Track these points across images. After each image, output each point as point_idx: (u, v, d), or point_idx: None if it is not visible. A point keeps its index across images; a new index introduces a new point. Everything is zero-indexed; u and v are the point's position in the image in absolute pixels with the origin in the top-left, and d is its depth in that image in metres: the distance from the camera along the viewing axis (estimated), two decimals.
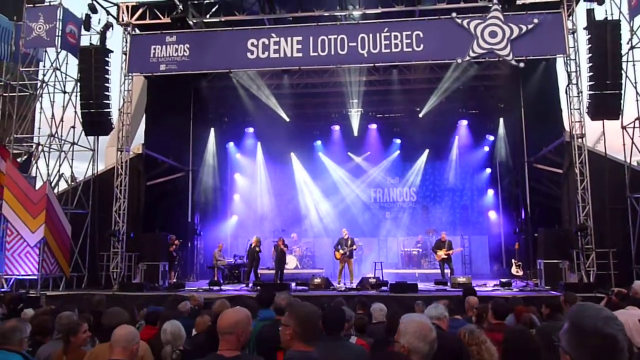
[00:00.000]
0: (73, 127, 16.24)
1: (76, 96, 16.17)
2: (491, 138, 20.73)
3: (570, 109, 14.11)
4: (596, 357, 1.74)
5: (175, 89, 16.82)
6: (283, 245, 16.19)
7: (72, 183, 16.75)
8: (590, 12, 13.69)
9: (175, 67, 15.10)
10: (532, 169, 16.99)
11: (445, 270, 15.89)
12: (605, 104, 13.48)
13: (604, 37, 13.35)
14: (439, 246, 16.08)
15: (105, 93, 15.67)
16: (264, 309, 5.29)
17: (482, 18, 13.90)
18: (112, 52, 15.94)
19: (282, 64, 14.95)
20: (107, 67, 15.71)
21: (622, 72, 13.66)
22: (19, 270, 14.13)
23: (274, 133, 20.82)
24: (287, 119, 20.27)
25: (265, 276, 17.35)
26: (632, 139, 14.32)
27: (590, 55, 13.55)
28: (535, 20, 13.63)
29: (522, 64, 13.83)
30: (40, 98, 16.46)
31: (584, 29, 13.72)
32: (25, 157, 16.85)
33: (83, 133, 16.22)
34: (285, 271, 16.62)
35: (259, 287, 13.91)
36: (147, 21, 15.83)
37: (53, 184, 15.39)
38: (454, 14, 13.99)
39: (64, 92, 16.38)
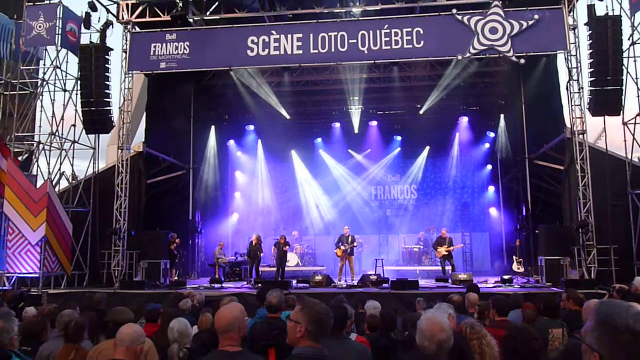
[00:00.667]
0: (74, 125, 16.23)
1: (77, 94, 16.17)
2: (492, 135, 20.73)
3: (571, 105, 14.09)
4: (629, 355, 1.72)
5: (175, 86, 16.82)
6: (284, 242, 16.20)
7: (73, 181, 16.75)
8: (591, 8, 13.65)
9: (176, 64, 15.09)
10: (533, 165, 16.96)
11: (447, 267, 15.89)
12: (606, 100, 13.45)
13: (605, 32, 13.31)
14: (440, 243, 16.08)
15: (106, 91, 15.65)
16: (264, 307, 5.31)
17: (482, 14, 13.88)
18: (112, 50, 15.91)
19: (282, 61, 14.92)
20: (107, 65, 15.68)
21: (623, 67, 13.62)
22: (21, 268, 14.15)
23: (275, 130, 20.83)
24: (288, 117, 20.26)
25: (267, 274, 17.38)
26: (633, 135, 14.30)
27: (591, 51, 13.51)
28: (536, 16, 13.61)
29: (522, 60, 13.80)
30: (40, 96, 16.45)
31: (585, 24, 13.69)
32: (26, 155, 16.85)
33: (84, 131, 16.21)
34: (286, 269, 16.64)
35: (259, 285, 13.91)
36: (147, 19, 15.80)
37: (54, 183, 15.40)
38: (454, 11, 13.97)
39: (65, 91, 16.37)
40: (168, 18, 15.20)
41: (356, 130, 21.05)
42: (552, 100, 14.93)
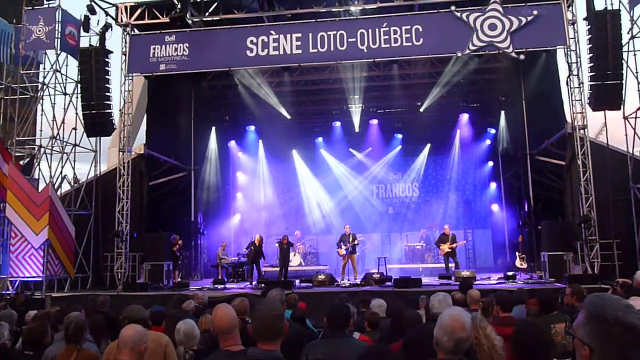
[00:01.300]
0: (74, 128, 16.27)
1: (77, 98, 16.21)
2: (493, 131, 20.71)
3: (572, 101, 14.06)
4: (617, 347, 1.72)
5: (175, 88, 16.83)
6: (287, 242, 16.21)
7: (75, 184, 16.78)
8: (590, 3, 13.62)
9: (175, 66, 15.09)
10: (534, 161, 16.95)
11: (450, 265, 15.88)
12: (607, 95, 13.43)
13: (604, 27, 13.29)
14: (443, 240, 16.07)
15: (106, 94, 15.66)
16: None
17: (481, 11, 13.85)
18: (111, 52, 15.93)
19: (281, 61, 14.92)
20: (107, 68, 15.71)
21: (623, 62, 13.60)
22: (24, 272, 14.18)
23: (275, 131, 20.84)
24: (288, 117, 20.26)
25: (270, 273, 17.40)
26: (635, 129, 14.29)
27: (590, 45, 13.48)
28: (535, 12, 13.58)
29: (522, 56, 13.78)
30: (41, 100, 16.47)
31: (584, 19, 13.67)
32: (28, 159, 16.88)
33: (85, 134, 16.25)
34: (289, 268, 16.64)
35: (263, 285, 13.92)
36: (146, 21, 15.80)
37: (56, 186, 15.42)
38: (452, 7, 13.94)
39: (65, 94, 16.41)
40: (167, 20, 15.19)
41: (357, 129, 21.04)
42: (552, 95, 14.92)
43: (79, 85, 16.04)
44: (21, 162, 16.38)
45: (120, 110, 16.03)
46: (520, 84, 17.34)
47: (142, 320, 4.05)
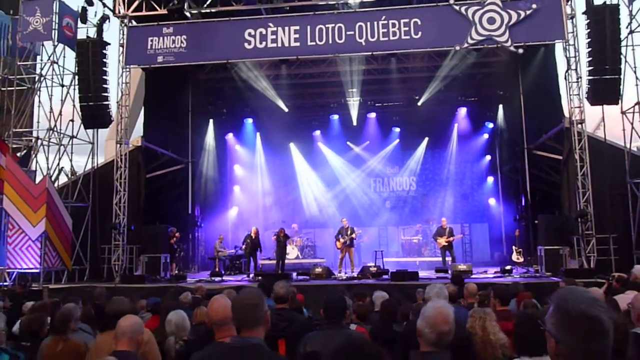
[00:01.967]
0: (72, 120, 16.25)
1: (74, 89, 16.17)
2: (490, 125, 20.72)
3: (570, 95, 14.07)
4: (581, 339, 1.75)
5: (173, 80, 16.77)
6: (284, 235, 16.22)
7: (72, 176, 16.76)
8: None
9: (173, 58, 15.05)
10: (532, 155, 16.98)
11: (447, 258, 15.91)
12: (605, 89, 13.46)
13: (603, 21, 13.30)
14: (440, 233, 16.09)
15: (104, 86, 15.66)
16: (266, 299, 5.31)
17: (480, 4, 13.83)
18: (109, 44, 15.90)
19: (279, 53, 14.89)
20: (104, 60, 15.68)
21: (622, 56, 13.62)
22: (21, 264, 14.19)
23: (273, 123, 20.80)
24: (286, 109, 20.24)
25: (267, 266, 17.43)
26: (632, 124, 14.30)
27: (589, 40, 13.50)
28: (534, 6, 13.55)
29: (521, 50, 13.78)
30: (38, 92, 16.44)
31: (583, 13, 13.67)
32: (25, 151, 16.86)
33: (82, 126, 16.22)
34: (286, 261, 16.67)
35: (260, 278, 13.95)
36: (144, 13, 15.72)
37: (53, 178, 15.42)
38: (451, 1, 13.93)
39: (62, 86, 16.35)
40: (165, 12, 15.15)
41: (354, 123, 21.03)
42: (550, 90, 14.92)
43: (77, 77, 16.00)
44: (18, 154, 16.36)
45: (117, 102, 16.00)
46: (519, 78, 17.34)
47: (124, 313, 4.05)
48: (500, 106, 19.92)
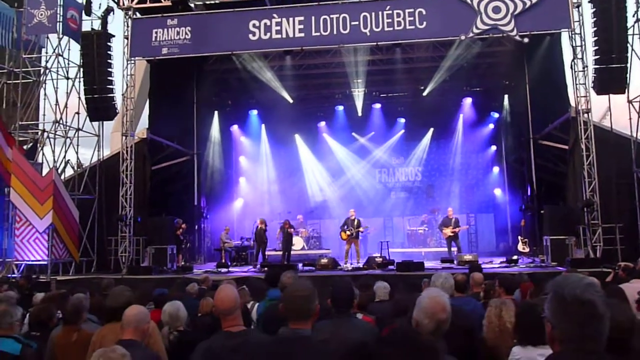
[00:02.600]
0: (77, 113, 16.30)
1: (79, 82, 16.20)
2: (496, 115, 20.64)
3: (576, 84, 14.00)
4: (575, 324, 1.79)
5: (178, 72, 16.78)
6: (289, 226, 16.27)
7: (79, 169, 16.82)
8: None
9: (177, 50, 15.04)
10: (537, 145, 16.91)
11: (453, 248, 15.92)
12: (611, 78, 13.37)
13: (609, 9, 13.18)
14: (446, 223, 16.10)
15: (109, 78, 15.70)
16: (272, 289, 5.35)
17: None
18: (113, 36, 15.92)
19: (284, 44, 14.86)
20: (109, 52, 15.71)
21: (628, 45, 13.53)
22: (29, 256, 14.29)
23: (278, 115, 20.79)
24: (291, 101, 20.21)
25: (273, 257, 17.47)
26: (639, 113, 14.22)
27: (595, 28, 13.40)
28: None
29: (526, 40, 13.73)
30: (43, 85, 16.47)
31: (589, 2, 13.53)
32: (31, 144, 16.93)
33: (88, 119, 16.27)
34: (292, 252, 16.72)
35: (266, 268, 14.00)
36: (148, 4, 15.70)
37: (59, 170, 15.48)
38: None
39: (67, 78, 16.39)
40: (169, 3, 15.15)
41: (359, 113, 20.97)
42: (556, 79, 14.83)
43: (81, 70, 16.03)
44: (25, 147, 16.44)
45: (122, 94, 16.03)
46: (524, 67, 17.26)
47: (122, 307, 4.08)
48: (506, 96, 19.84)
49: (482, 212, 20.90)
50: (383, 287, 6.33)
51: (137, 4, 15.71)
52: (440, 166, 21.69)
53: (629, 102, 14.31)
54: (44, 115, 16.65)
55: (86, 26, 16.21)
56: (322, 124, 22.01)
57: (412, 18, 14.00)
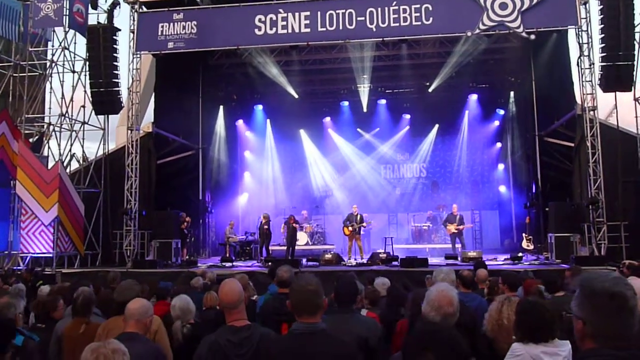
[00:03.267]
0: (83, 106, 16.33)
1: (85, 75, 16.24)
2: (501, 112, 20.59)
3: (582, 82, 13.94)
4: (606, 316, 1.79)
5: (183, 67, 16.79)
6: (294, 222, 16.30)
7: (84, 162, 16.88)
8: None
9: (183, 44, 15.06)
10: (543, 142, 16.87)
11: (457, 245, 15.92)
12: (618, 76, 13.31)
13: (617, 7, 13.12)
14: (450, 220, 16.09)
15: (114, 72, 15.73)
16: (273, 284, 5.38)
17: None
18: (119, 30, 15.93)
19: (290, 39, 14.86)
20: (115, 46, 15.72)
21: (635, 42, 13.46)
22: (34, 248, 14.38)
23: (283, 110, 20.82)
24: (296, 96, 20.20)
25: (277, 252, 17.52)
26: None
27: (602, 26, 13.33)
28: None
29: (533, 36, 13.66)
30: (49, 78, 16.51)
31: None
32: (37, 137, 16.98)
33: (93, 112, 16.31)
34: (296, 247, 16.75)
35: (270, 263, 14.03)
36: None
37: (65, 164, 15.52)
38: None
39: (73, 72, 16.43)
40: None
41: (365, 109, 20.96)
42: (562, 76, 14.78)
43: (87, 63, 16.06)
44: (31, 140, 16.50)
45: (128, 88, 16.04)
46: (530, 64, 17.20)
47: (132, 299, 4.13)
48: (512, 93, 19.79)
49: (486, 209, 20.87)
50: (382, 283, 6.38)
51: None
52: (446, 163, 21.67)
53: (636, 99, 14.25)
54: (50, 108, 16.73)
55: (92, 20, 16.25)
56: (327, 119, 22.01)
57: (418, 14, 13.97)
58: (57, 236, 14.22)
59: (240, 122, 22.08)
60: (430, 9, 13.92)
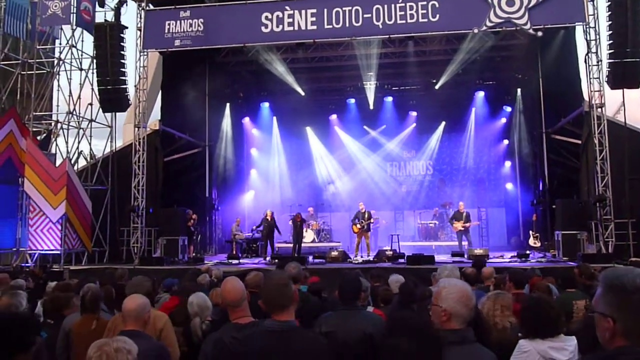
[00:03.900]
0: (90, 104, 16.41)
1: (93, 73, 16.32)
2: (508, 109, 20.52)
3: (590, 78, 13.87)
4: (638, 313, 1.75)
5: (190, 64, 16.83)
6: (300, 219, 16.32)
7: (91, 160, 16.96)
8: None
9: (190, 42, 15.09)
10: (550, 140, 16.82)
11: (463, 243, 15.89)
12: (625, 73, 13.24)
13: (625, 3, 13.04)
14: (457, 217, 16.06)
15: (121, 70, 15.78)
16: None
17: None
18: (127, 28, 15.98)
19: (296, 37, 14.86)
20: (122, 44, 15.78)
21: None
22: (42, 245, 14.47)
23: (290, 107, 20.82)
24: (303, 93, 20.19)
25: (283, 249, 17.54)
26: None
27: (610, 22, 13.27)
28: None
29: (540, 33, 13.62)
30: (57, 76, 16.59)
31: None
32: (45, 134, 17.06)
33: (100, 110, 16.38)
34: (302, 245, 16.78)
35: (277, 261, 14.07)
36: None
37: (72, 161, 15.61)
38: None
39: (81, 70, 16.51)
40: None
41: (371, 106, 20.93)
42: (570, 73, 14.71)
43: (95, 61, 16.13)
44: (38, 138, 16.58)
45: (135, 86, 16.10)
46: (538, 61, 17.13)
47: (145, 295, 4.17)
48: (519, 90, 19.71)
49: (493, 207, 20.83)
50: (396, 280, 6.33)
51: None
52: (452, 160, 21.63)
53: None
54: (58, 106, 16.82)
55: (99, 18, 16.32)
56: (334, 116, 22.00)
57: (425, 11, 13.94)
58: (64, 233, 14.30)
59: (246, 120, 22.11)
60: (437, 6, 13.88)
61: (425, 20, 13.95)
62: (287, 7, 14.63)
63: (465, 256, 14.37)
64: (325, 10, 14.39)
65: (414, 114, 21.30)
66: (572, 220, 13.72)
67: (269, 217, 16.43)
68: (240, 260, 15.23)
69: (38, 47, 16.11)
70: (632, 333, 1.76)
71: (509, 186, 20.67)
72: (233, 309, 3.33)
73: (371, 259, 14.52)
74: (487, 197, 20.91)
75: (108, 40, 15.56)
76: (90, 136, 16.66)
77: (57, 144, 16.57)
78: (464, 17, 13.94)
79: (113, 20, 15.93)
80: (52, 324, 4.95)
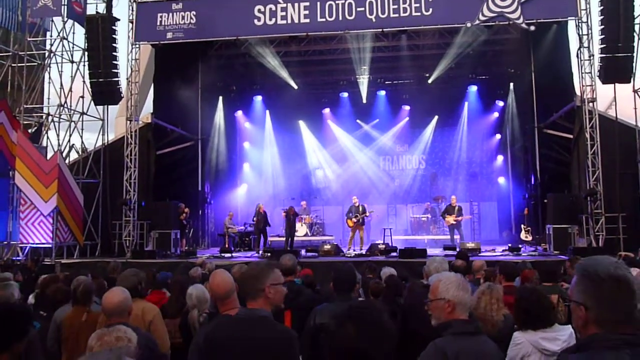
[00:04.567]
0: (82, 97, 16.31)
1: (84, 66, 16.22)
2: (501, 104, 20.55)
3: (582, 73, 13.94)
4: (611, 301, 1.77)
5: (182, 57, 16.74)
6: (293, 213, 16.33)
7: (83, 153, 16.89)
8: None
9: (182, 35, 15.03)
10: (542, 134, 16.88)
11: (455, 236, 15.96)
12: (617, 67, 13.32)
13: None
14: (449, 211, 16.12)
15: (113, 62, 15.69)
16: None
17: None
18: (118, 20, 15.89)
19: (289, 30, 14.83)
20: (114, 36, 15.68)
21: (635, 34, 13.45)
22: (34, 238, 14.41)
23: (282, 101, 20.77)
24: (295, 87, 20.14)
25: (276, 243, 17.56)
26: None
27: (602, 17, 13.32)
28: None
29: (532, 27, 13.64)
30: (48, 68, 16.48)
31: None
32: (36, 127, 16.96)
33: (92, 103, 16.29)
34: (295, 238, 16.80)
35: (269, 254, 14.08)
36: None
37: (64, 154, 15.53)
38: None
39: (72, 62, 16.39)
40: None
41: (364, 100, 20.92)
42: (562, 68, 14.76)
43: (86, 54, 16.02)
44: (29, 130, 16.47)
45: (127, 78, 16.02)
46: (530, 55, 17.15)
47: (132, 288, 4.16)
48: (511, 84, 19.74)
49: (485, 200, 20.92)
50: (389, 272, 6.35)
51: None
52: (445, 154, 21.67)
53: (635, 91, 14.25)
54: (49, 98, 16.73)
55: (91, 9, 16.21)
56: (327, 110, 21.99)
57: (418, 4, 13.94)
58: (56, 226, 14.25)
59: (239, 113, 22.05)
60: None
61: (419, 14, 13.95)
62: (280, 0, 14.58)
63: (457, 250, 14.41)
64: (318, 3, 14.36)
65: (407, 108, 21.30)
66: (563, 214, 13.81)
67: (261, 211, 16.43)
68: (233, 254, 15.22)
69: (29, 39, 16.00)
70: (604, 321, 1.78)
71: (501, 180, 20.75)
72: (222, 301, 3.36)
73: (364, 253, 14.55)
74: (479, 191, 20.98)
75: (100, 32, 15.45)
76: (82, 129, 16.58)
77: (48, 137, 16.50)
78: (457, 10, 13.95)
79: (105, 12, 15.82)
80: (44, 316, 4.95)
